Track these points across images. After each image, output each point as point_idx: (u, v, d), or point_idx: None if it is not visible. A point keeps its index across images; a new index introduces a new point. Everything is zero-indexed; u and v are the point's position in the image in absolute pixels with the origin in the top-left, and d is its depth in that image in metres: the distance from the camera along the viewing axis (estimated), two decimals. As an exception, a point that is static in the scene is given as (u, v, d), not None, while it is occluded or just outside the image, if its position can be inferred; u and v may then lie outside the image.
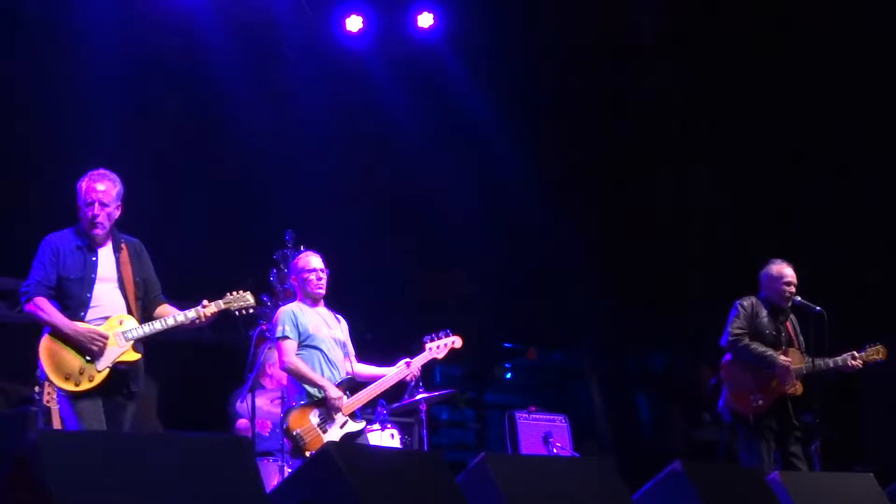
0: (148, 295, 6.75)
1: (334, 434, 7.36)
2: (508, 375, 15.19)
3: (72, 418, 6.44)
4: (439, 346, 7.95)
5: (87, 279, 6.53)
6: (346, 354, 7.80)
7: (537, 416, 10.74)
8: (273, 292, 11.74)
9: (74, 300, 6.50)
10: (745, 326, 8.30)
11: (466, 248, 13.57)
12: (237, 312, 6.83)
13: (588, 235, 13.32)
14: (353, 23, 12.11)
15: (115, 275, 6.61)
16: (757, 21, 12.04)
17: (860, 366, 8.32)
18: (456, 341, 8.01)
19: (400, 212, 13.09)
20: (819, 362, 8.25)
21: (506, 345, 14.86)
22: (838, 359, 8.31)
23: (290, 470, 7.62)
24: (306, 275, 7.77)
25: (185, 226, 11.26)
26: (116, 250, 6.67)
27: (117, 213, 6.64)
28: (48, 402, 7.97)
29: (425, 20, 12.32)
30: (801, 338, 8.47)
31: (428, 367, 8.41)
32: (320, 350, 7.58)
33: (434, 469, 5.35)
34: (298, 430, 7.31)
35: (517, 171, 12.96)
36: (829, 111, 11.84)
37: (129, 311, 6.60)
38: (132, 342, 6.52)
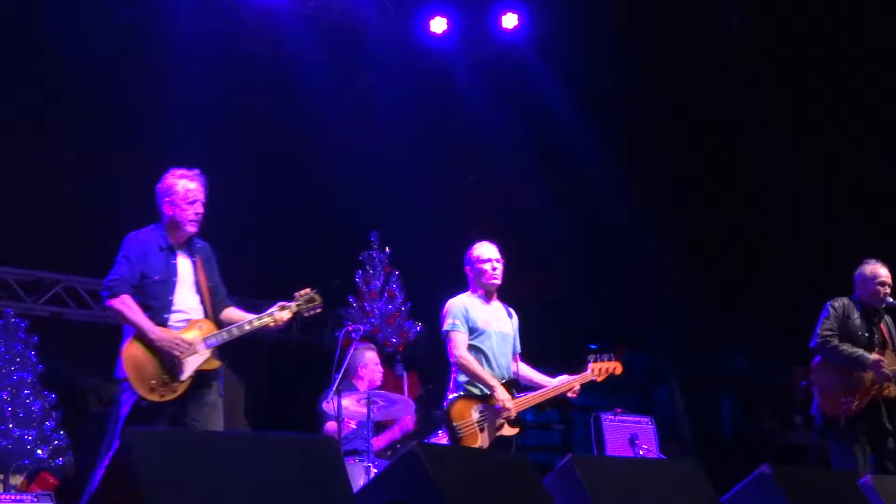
0: (216, 298, 6.67)
1: (489, 435, 7.19)
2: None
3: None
4: (601, 370, 7.76)
5: (170, 282, 6.47)
6: (515, 352, 7.68)
7: (623, 418, 10.66)
8: (358, 293, 11.81)
9: (158, 302, 6.41)
10: (834, 328, 8.15)
11: (552, 249, 13.54)
12: (307, 314, 6.79)
13: (674, 237, 13.22)
14: (438, 24, 12.15)
15: (192, 278, 6.57)
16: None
17: None
18: (618, 367, 7.83)
19: (484, 213, 13.09)
20: None
21: (591, 346, 14.78)
22: None
23: (376, 470, 7.64)
24: (481, 265, 7.56)
25: (272, 228, 11.39)
26: (192, 254, 6.63)
27: None
28: (139, 401, 8.09)
29: (510, 21, 12.32)
30: (898, 340, 8.31)
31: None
32: (489, 345, 7.41)
33: (521, 471, 5.34)
34: (458, 423, 7.14)
35: (602, 173, 12.90)
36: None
37: (206, 316, 6.54)
38: (213, 349, 6.46)
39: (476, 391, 7.28)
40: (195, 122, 10.43)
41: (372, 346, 9.67)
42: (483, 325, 7.41)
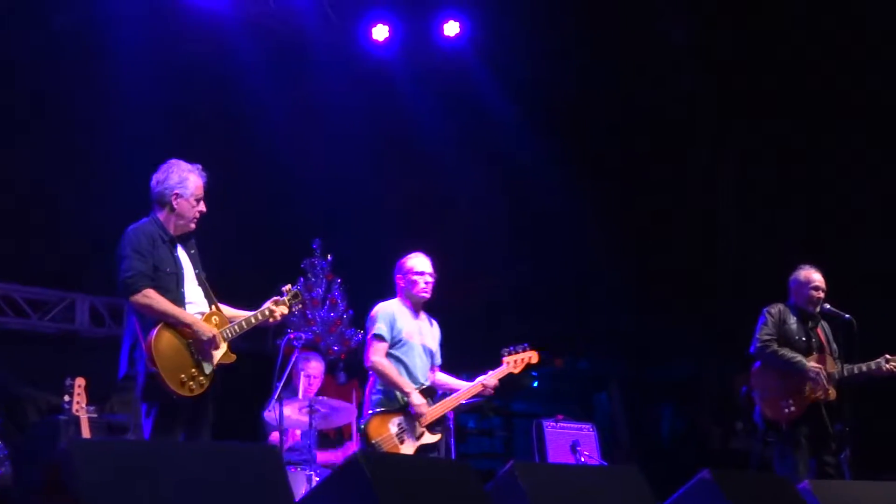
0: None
1: (410, 445, 7.31)
2: (535, 384, 15.16)
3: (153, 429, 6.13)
4: (516, 361, 7.86)
5: (179, 274, 6.33)
6: (433, 365, 7.74)
7: (565, 425, 10.72)
8: (301, 300, 11.74)
9: (171, 294, 6.22)
10: (773, 333, 8.27)
11: (493, 256, 13.56)
12: (293, 309, 6.82)
13: (614, 243, 13.30)
14: (380, 32, 12.14)
15: (193, 271, 6.44)
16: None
17: (894, 369, 8.26)
18: (533, 356, 7.92)
19: (426, 220, 13.09)
20: (851, 367, 8.19)
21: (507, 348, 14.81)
22: (871, 363, 8.25)
23: (318, 479, 7.62)
24: (415, 276, 7.67)
25: (213, 234, 11.31)
26: (188, 247, 6.52)
27: None
28: (77, 410, 8.03)
29: (451, 28, 12.34)
30: (834, 345, 8.42)
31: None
32: (410, 357, 7.51)
33: (463, 478, 5.34)
34: (377, 439, 7.24)
35: (546, 178, 12.95)
36: (844, 111, 11.81)
37: (212, 308, 6.41)
38: (228, 342, 6.36)
39: (391, 404, 7.34)
40: (137, 128, 10.36)
41: (316, 354, 9.66)
42: (407, 336, 7.50)
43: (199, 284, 6.44)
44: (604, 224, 13.22)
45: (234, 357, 6.37)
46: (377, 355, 7.41)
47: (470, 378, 7.90)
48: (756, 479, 7.40)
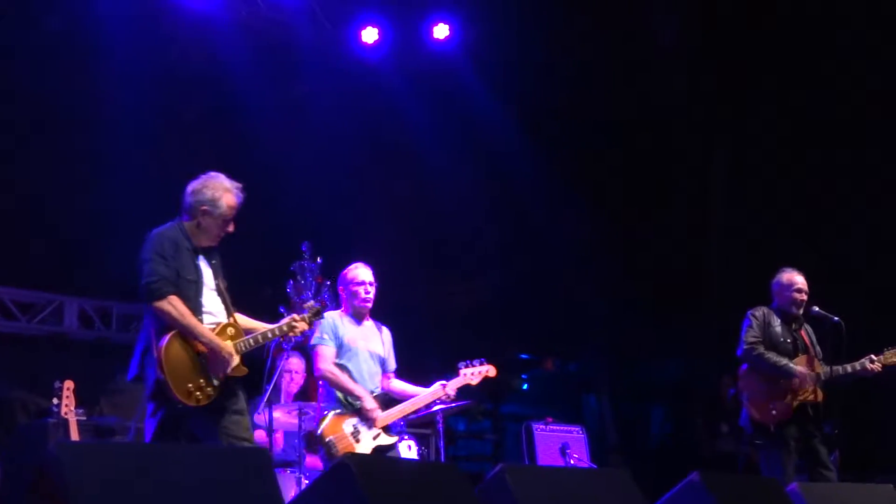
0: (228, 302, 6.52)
1: (366, 445, 7.35)
2: (525, 386, 15.17)
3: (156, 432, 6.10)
4: (474, 374, 7.89)
5: (199, 283, 6.28)
6: (385, 371, 7.80)
7: (554, 427, 10.74)
8: (290, 304, 11.74)
9: (190, 303, 6.17)
10: (759, 335, 8.30)
11: (483, 259, 13.57)
12: (313, 326, 6.89)
13: (603, 244, 13.32)
14: (369, 35, 12.13)
15: (213, 281, 6.40)
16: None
17: (879, 369, 8.27)
18: (490, 370, 7.96)
19: (417, 223, 13.10)
20: (837, 368, 8.21)
21: (522, 356, 14.84)
22: (856, 363, 8.27)
23: (307, 481, 7.62)
24: (355, 287, 7.73)
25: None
26: (210, 257, 6.47)
27: None
28: (65, 413, 8.02)
29: (441, 31, 12.35)
30: (818, 347, 8.45)
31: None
32: (356, 363, 7.57)
33: (452, 480, 5.34)
34: (331, 437, 7.30)
35: (535, 181, 12.97)
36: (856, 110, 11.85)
37: (229, 319, 6.37)
38: (241, 355, 6.30)
39: (347, 405, 7.40)
40: (126, 129, 10.34)
41: (296, 352, 9.66)
42: (350, 342, 7.56)
43: (219, 294, 6.40)
44: (593, 226, 13.22)
45: (245, 370, 6.32)
46: (325, 363, 7.50)
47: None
48: (745, 481, 7.42)
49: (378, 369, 7.73)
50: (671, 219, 13.66)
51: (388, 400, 7.61)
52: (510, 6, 12.26)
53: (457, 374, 7.93)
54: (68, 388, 8.25)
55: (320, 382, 7.64)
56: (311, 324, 6.82)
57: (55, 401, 8.20)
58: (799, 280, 8.43)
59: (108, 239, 10.43)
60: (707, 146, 13.51)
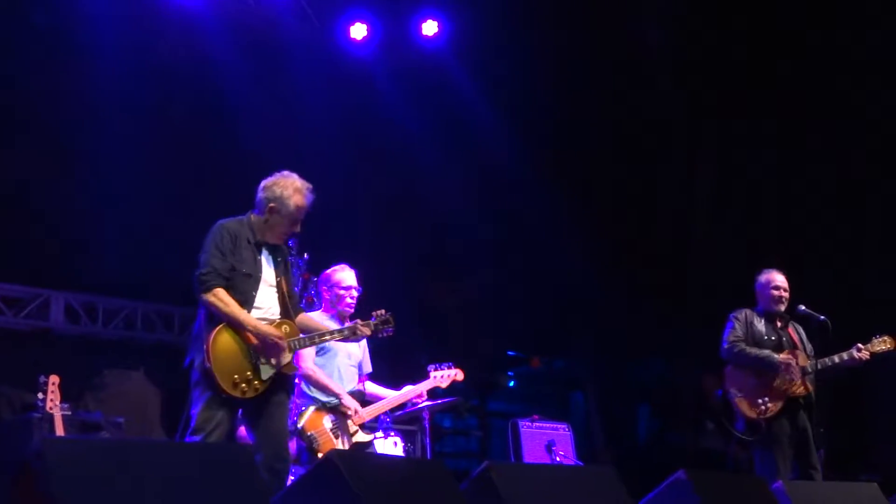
0: (292, 301, 6.52)
1: (345, 441, 7.45)
2: (512, 383, 15.19)
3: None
4: (443, 377, 8.11)
5: (256, 277, 6.26)
6: (361, 373, 7.90)
7: (540, 425, 10.73)
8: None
9: (242, 296, 6.17)
10: (740, 335, 8.34)
11: (471, 257, 13.57)
12: (381, 335, 6.86)
13: (590, 244, 13.33)
14: (358, 31, 12.12)
15: (274, 278, 6.38)
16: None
17: (867, 357, 8.27)
18: (458, 374, 8.16)
19: (404, 220, 13.09)
20: (824, 360, 8.22)
21: (509, 353, 14.86)
22: (843, 353, 8.28)
23: (293, 477, 7.61)
24: (340, 291, 7.78)
25: (192, 235, 11.27)
26: (276, 254, 6.46)
27: None
28: (51, 408, 7.98)
29: (430, 28, 12.34)
30: (809, 344, 8.47)
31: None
32: (335, 364, 7.67)
33: (437, 477, 5.34)
34: (313, 433, 7.40)
35: (524, 178, 12.96)
36: (830, 115, 11.89)
37: (284, 317, 6.35)
38: (293, 353, 6.30)
39: (325, 402, 7.48)
40: (114, 126, 10.32)
41: None
42: (330, 343, 7.54)
43: (277, 292, 6.39)
44: (580, 225, 13.23)
45: (296, 368, 6.40)
46: (306, 361, 7.55)
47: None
48: (730, 479, 7.44)
49: (355, 370, 7.83)
50: (658, 220, 13.67)
51: (362, 399, 7.74)
52: (498, 3, 12.26)
53: (426, 377, 8.11)
54: (53, 383, 8.21)
55: (297, 381, 7.66)
56: (375, 331, 6.81)
57: (40, 396, 8.16)
58: (777, 278, 8.49)
59: (94, 234, 10.42)
60: (693, 149, 13.53)
